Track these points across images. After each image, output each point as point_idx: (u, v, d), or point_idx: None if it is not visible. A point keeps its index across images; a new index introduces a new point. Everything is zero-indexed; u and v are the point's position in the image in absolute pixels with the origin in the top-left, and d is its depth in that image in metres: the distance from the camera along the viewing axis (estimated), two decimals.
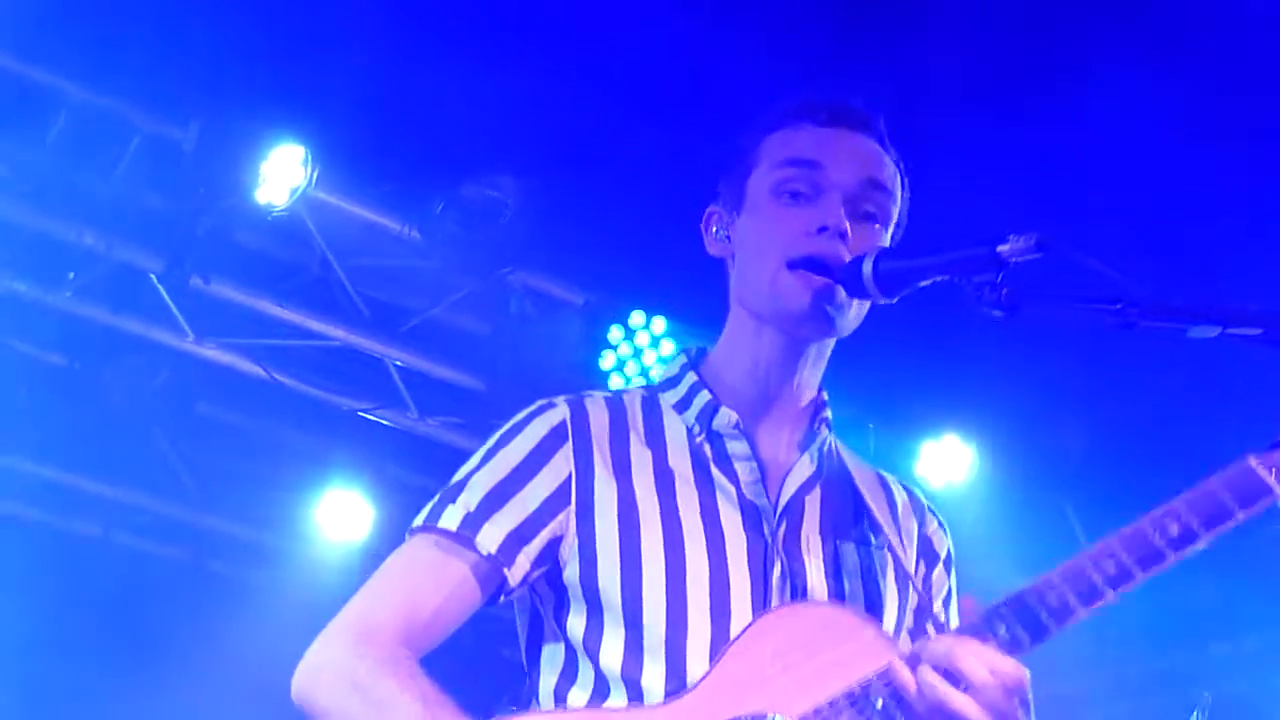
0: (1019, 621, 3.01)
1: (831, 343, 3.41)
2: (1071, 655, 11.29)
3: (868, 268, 3.14)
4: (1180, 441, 9.89)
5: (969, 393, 9.86)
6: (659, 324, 8.99)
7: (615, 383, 8.87)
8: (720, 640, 3.11)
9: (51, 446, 9.58)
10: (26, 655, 9.62)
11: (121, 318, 8.77)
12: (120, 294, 8.68)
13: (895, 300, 3.17)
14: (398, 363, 9.39)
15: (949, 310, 3.10)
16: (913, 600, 3.39)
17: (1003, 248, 2.97)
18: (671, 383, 3.44)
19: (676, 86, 8.18)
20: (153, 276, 8.49)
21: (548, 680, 3.24)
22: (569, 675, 3.21)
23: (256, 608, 10.16)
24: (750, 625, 3.10)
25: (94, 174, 8.18)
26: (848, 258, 3.21)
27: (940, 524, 3.57)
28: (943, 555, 3.54)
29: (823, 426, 3.41)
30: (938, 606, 3.45)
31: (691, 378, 3.41)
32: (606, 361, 8.95)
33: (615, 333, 8.95)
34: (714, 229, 3.46)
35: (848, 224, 3.25)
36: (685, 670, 3.10)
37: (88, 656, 9.84)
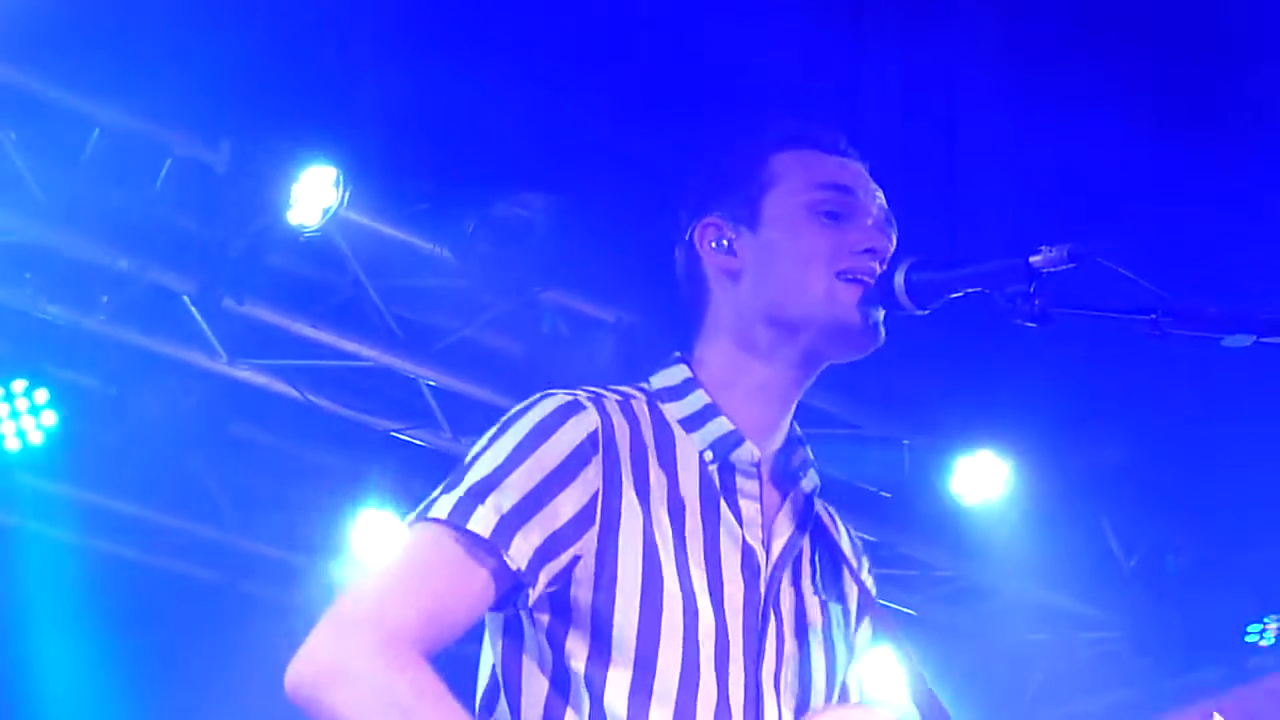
0: None
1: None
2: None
3: (900, 279, 3.10)
4: (1217, 454, 9.87)
5: (1004, 407, 9.83)
6: None
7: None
8: (722, 701, 3.00)
9: (85, 468, 9.59)
10: (65, 677, 9.65)
11: (155, 340, 8.80)
12: (153, 316, 8.70)
13: (928, 311, 3.14)
14: (431, 383, 9.39)
15: (982, 324, 3.09)
16: (854, 653, 3.33)
17: (1035, 258, 2.94)
18: (675, 394, 3.21)
19: (710, 103, 8.17)
20: (186, 298, 8.51)
21: (532, 703, 3.05)
22: (560, 702, 3.02)
23: (291, 629, 10.13)
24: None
25: (126, 196, 8.21)
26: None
27: (869, 565, 3.45)
28: (874, 596, 3.41)
29: (810, 469, 3.28)
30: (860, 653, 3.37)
31: (703, 396, 3.20)
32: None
33: None
34: (712, 243, 3.28)
35: (890, 252, 3.22)
36: None
37: (125, 678, 9.85)
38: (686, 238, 3.32)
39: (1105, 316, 2.95)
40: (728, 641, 3.03)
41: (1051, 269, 2.94)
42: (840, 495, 10.31)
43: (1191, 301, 2.87)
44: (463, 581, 2.94)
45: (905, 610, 11.05)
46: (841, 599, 3.30)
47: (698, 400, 3.20)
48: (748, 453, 3.16)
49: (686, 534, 3.06)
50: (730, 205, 3.29)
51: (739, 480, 3.16)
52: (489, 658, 3.13)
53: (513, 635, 3.08)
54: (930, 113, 8.34)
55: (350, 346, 8.99)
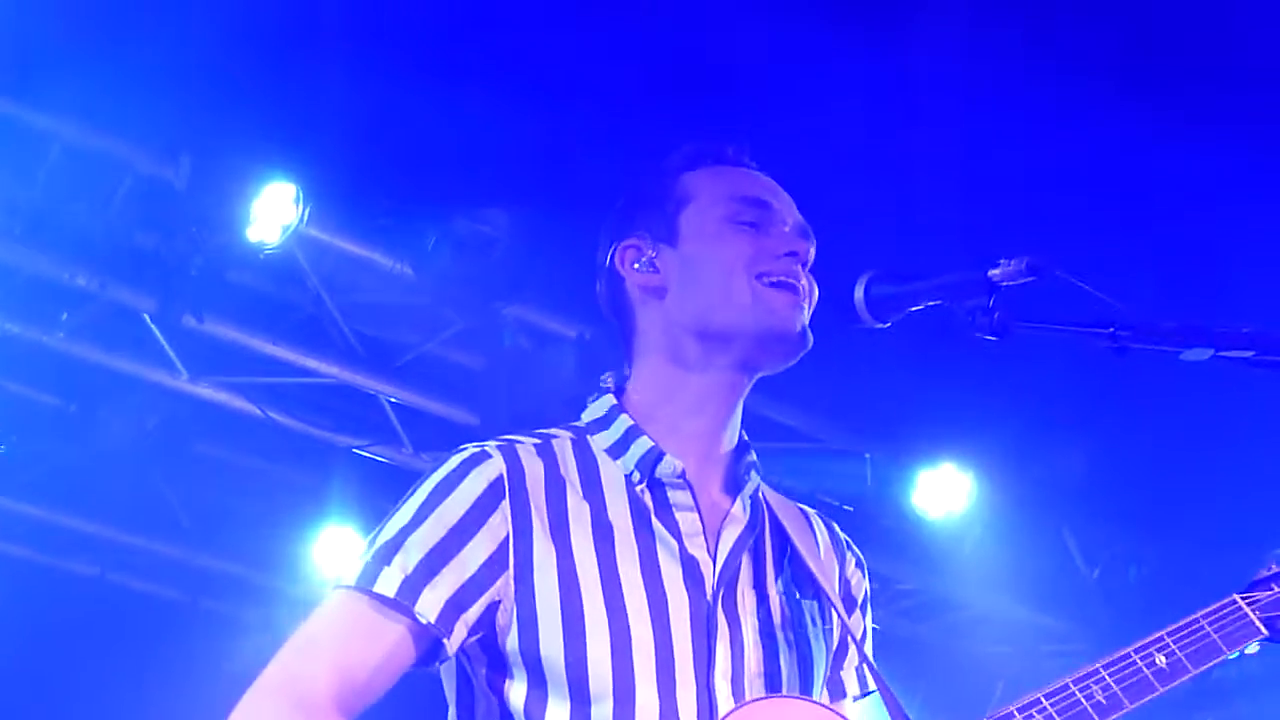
0: None
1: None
2: None
3: (859, 293, 3.12)
4: (1179, 466, 9.91)
5: (965, 420, 9.85)
6: None
7: None
8: (668, 710, 3.04)
9: (45, 486, 9.56)
10: (23, 695, 9.60)
11: (115, 357, 8.77)
12: (113, 334, 8.67)
13: (888, 324, 3.15)
14: (392, 399, 9.38)
15: (944, 337, 3.10)
16: (833, 647, 3.34)
17: (994, 272, 2.97)
18: (602, 424, 3.28)
19: (670, 120, 8.18)
20: (146, 316, 8.48)
21: None
22: None
23: (253, 647, 10.13)
24: (734, 712, 3.05)
25: (86, 213, 8.17)
26: (807, 289, 3.25)
27: (858, 562, 3.49)
28: (860, 598, 3.46)
29: (752, 470, 3.31)
30: (853, 651, 3.40)
31: (626, 420, 3.25)
32: None
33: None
34: (634, 263, 3.34)
35: (812, 254, 3.29)
36: None
37: (86, 696, 9.81)
38: (608, 263, 3.38)
39: (1064, 330, 2.96)
40: (671, 652, 3.07)
41: (1010, 282, 2.97)
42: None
43: (1150, 316, 2.88)
44: (373, 642, 3.03)
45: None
46: (815, 596, 3.31)
47: (621, 425, 3.26)
48: (670, 466, 3.21)
49: (618, 557, 3.12)
50: (648, 225, 3.36)
51: (670, 494, 3.22)
52: (449, 701, 3.22)
53: (462, 685, 3.18)
54: (891, 121, 8.36)
55: (311, 363, 8.98)
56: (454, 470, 3.15)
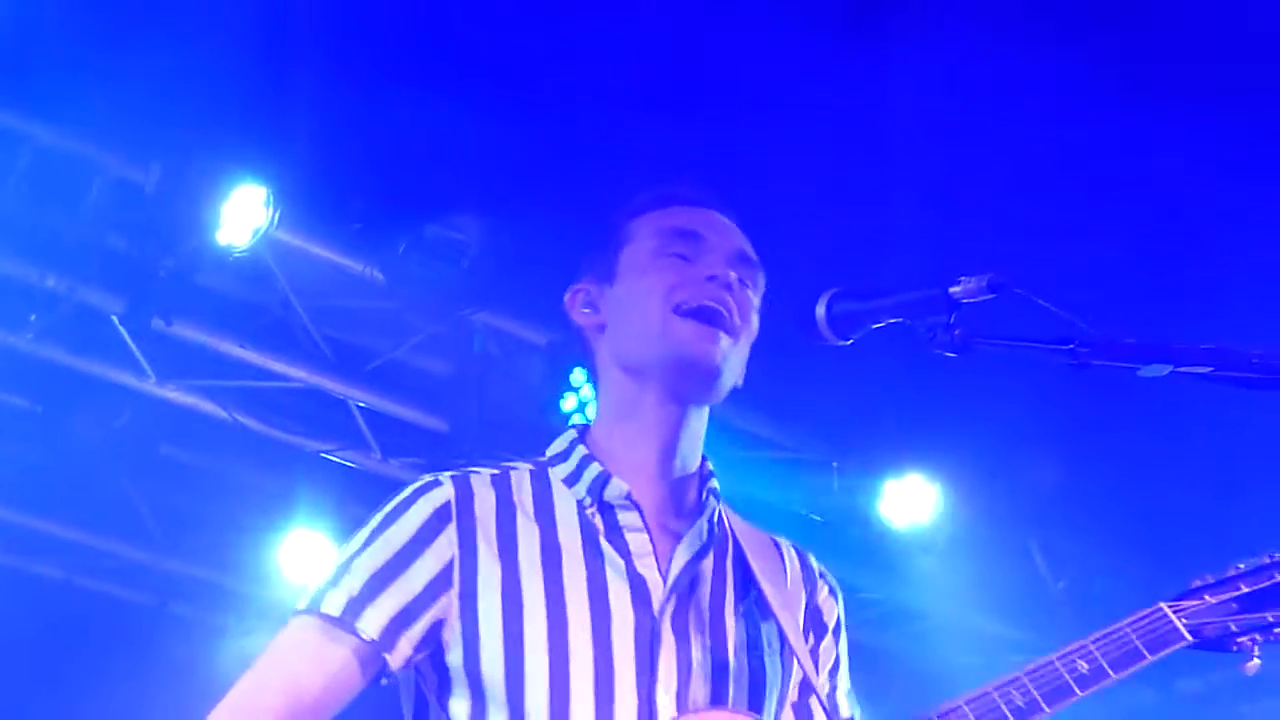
0: None
1: (707, 414, 3.42)
2: None
3: (821, 310, 3.14)
4: (1145, 480, 9.94)
5: (932, 431, 9.87)
6: None
7: (576, 422, 8.84)
8: None
9: (12, 488, 9.53)
10: None
11: (83, 360, 8.75)
12: (82, 336, 8.64)
13: (850, 342, 3.17)
14: (360, 404, 9.37)
15: (911, 349, 3.12)
16: (797, 675, 3.37)
17: (955, 289, 2.99)
18: (561, 457, 3.39)
19: (640, 128, 8.19)
20: (114, 318, 8.46)
21: None
22: None
23: (220, 651, 10.12)
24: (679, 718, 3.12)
25: (56, 216, 8.16)
26: (733, 312, 3.29)
27: (831, 590, 3.54)
28: (831, 625, 3.51)
29: (710, 496, 3.38)
30: (822, 679, 3.43)
31: (581, 450, 3.36)
32: (568, 403, 8.90)
33: (578, 375, 8.89)
34: (582, 306, 3.47)
35: (734, 277, 3.32)
36: None
37: (48, 700, 9.78)
38: (565, 307, 3.50)
39: (1024, 347, 2.98)
40: (612, 669, 3.14)
41: (970, 299, 2.99)
42: (769, 518, 10.39)
43: (1109, 332, 2.90)
44: (320, 662, 3.16)
45: None
46: (774, 622, 3.34)
47: (577, 455, 3.36)
48: (617, 489, 3.29)
49: (565, 577, 3.20)
50: (594, 268, 3.47)
51: (620, 516, 3.29)
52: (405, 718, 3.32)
53: (413, 698, 3.29)
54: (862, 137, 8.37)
55: (279, 367, 8.96)
56: (404, 499, 3.28)
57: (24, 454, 9.30)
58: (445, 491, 3.26)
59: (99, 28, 7.56)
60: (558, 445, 3.42)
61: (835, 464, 10.39)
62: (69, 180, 8.16)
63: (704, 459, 3.42)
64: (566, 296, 3.49)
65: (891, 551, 10.58)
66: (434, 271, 8.62)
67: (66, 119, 8.00)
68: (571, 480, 3.33)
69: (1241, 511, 8.99)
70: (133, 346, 8.69)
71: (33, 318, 8.50)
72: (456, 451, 8.74)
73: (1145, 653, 3.27)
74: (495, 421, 8.91)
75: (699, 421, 3.38)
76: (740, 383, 3.39)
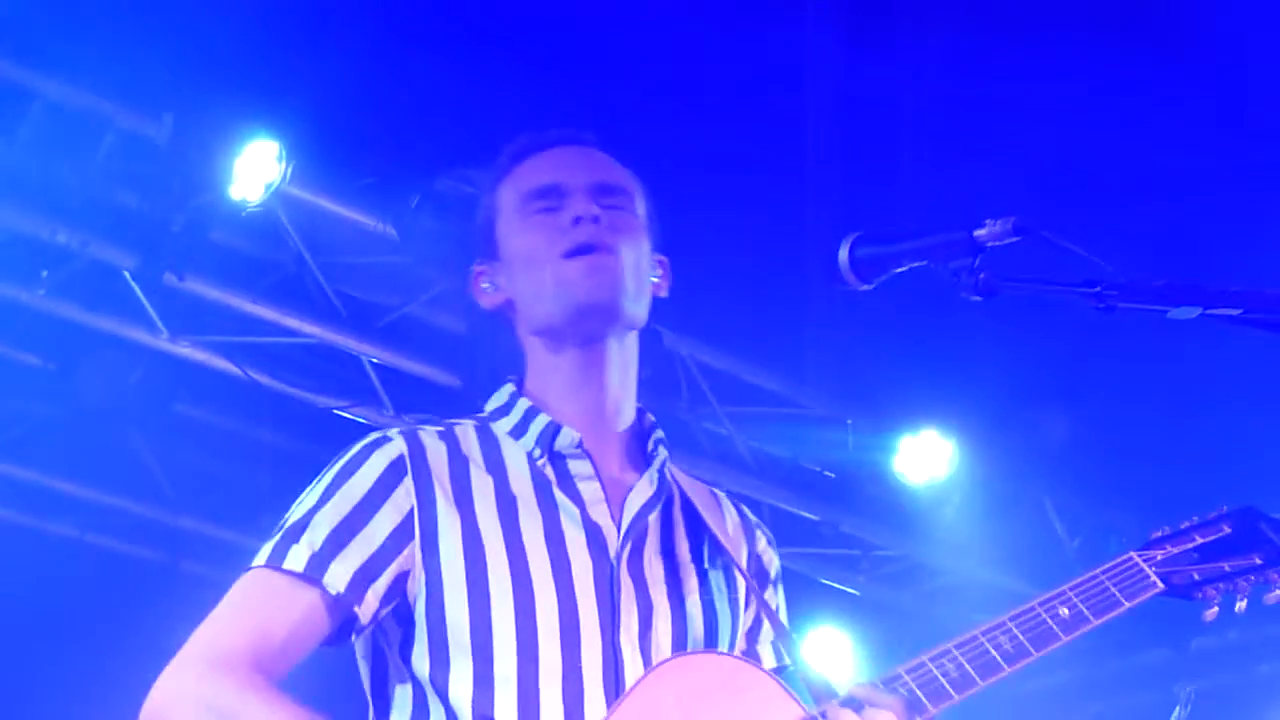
0: (920, 687, 3.24)
1: (633, 345, 3.48)
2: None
3: (844, 253, 3.11)
4: (1161, 436, 9.91)
5: (948, 387, 9.85)
6: None
7: None
8: (571, 668, 3.15)
9: (24, 445, 9.52)
10: (0, 657, 9.57)
11: (95, 316, 8.71)
12: (94, 292, 8.61)
13: (873, 286, 3.13)
14: (374, 360, 9.34)
15: (927, 303, 3.09)
16: (745, 622, 3.44)
17: (979, 232, 2.96)
18: (503, 411, 3.45)
19: (656, 83, 8.16)
20: (126, 274, 8.42)
21: (396, 713, 3.24)
22: (415, 707, 3.21)
23: None
24: (651, 671, 3.13)
25: (67, 171, 8.11)
26: (612, 240, 3.36)
27: (769, 541, 3.61)
28: (772, 574, 3.58)
29: (659, 446, 3.44)
30: (767, 625, 3.48)
31: (525, 403, 3.42)
32: None
33: None
34: (483, 285, 3.53)
35: (598, 209, 3.38)
36: (538, 700, 3.13)
37: (62, 658, 9.78)
38: (471, 294, 3.58)
39: (1050, 289, 2.94)
40: (575, 613, 3.18)
41: (996, 242, 2.96)
42: (784, 475, 10.39)
43: (1136, 275, 2.86)
44: (288, 608, 3.16)
45: (849, 590, 11.06)
46: (724, 567, 3.41)
47: (521, 408, 3.42)
48: (568, 437, 3.34)
49: (521, 526, 3.24)
50: (481, 249, 3.54)
51: (571, 465, 3.34)
52: (363, 679, 3.35)
53: (375, 657, 3.30)
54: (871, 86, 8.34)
55: (292, 323, 8.93)
56: (357, 453, 3.32)
57: (36, 411, 9.28)
58: (398, 445, 3.30)
59: None
60: (497, 399, 3.47)
61: (850, 420, 10.37)
62: (80, 135, 8.11)
63: (643, 411, 3.49)
64: (471, 283, 3.55)
65: (906, 508, 10.57)
66: (447, 226, 8.58)
67: (77, 73, 7.95)
68: (518, 433, 3.38)
69: (1261, 469, 8.96)
70: (145, 302, 8.66)
71: (44, 274, 8.46)
72: (470, 407, 8.67)
73: (1122, 600, 3.50)
74: (507, 377, 8.89)
75: (623, 354, 3.45)
76: (664, 293, 3.51)
